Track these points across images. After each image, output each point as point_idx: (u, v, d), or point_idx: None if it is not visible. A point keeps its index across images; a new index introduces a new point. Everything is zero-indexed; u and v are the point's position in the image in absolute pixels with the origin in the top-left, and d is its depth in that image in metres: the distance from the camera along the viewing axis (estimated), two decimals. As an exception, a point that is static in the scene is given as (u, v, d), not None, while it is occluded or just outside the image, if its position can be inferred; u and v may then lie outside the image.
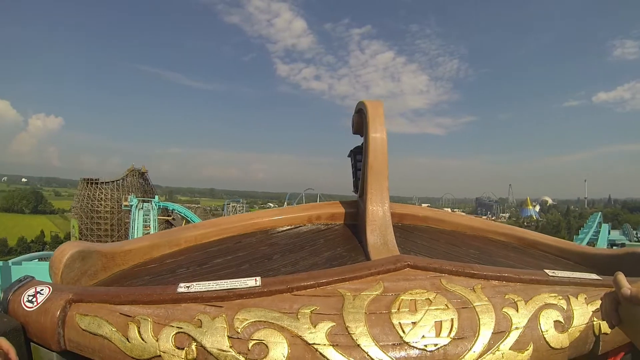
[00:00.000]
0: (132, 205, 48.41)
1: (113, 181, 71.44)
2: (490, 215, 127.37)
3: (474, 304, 1.44)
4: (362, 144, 2.47)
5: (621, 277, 1.21)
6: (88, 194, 68.91)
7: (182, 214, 52.33)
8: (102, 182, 70.82)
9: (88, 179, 71.24)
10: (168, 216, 55.22)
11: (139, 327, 1.32)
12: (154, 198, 51.93)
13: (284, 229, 2.52)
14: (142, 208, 46.62)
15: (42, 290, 1.45)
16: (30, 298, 1.42)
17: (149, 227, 43.39)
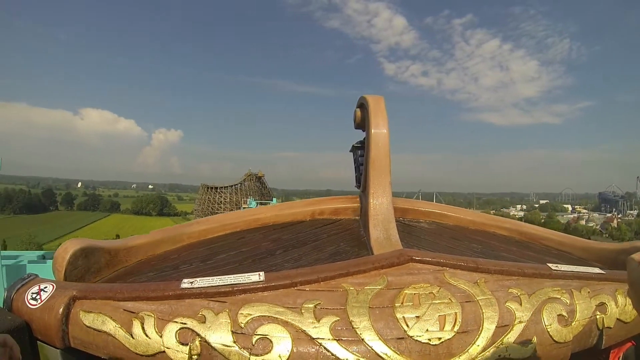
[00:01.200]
0: (250, 208, 48.30)
1: (232, 185, 73.55)
2: (615, 213, 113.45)
3: (478, 298, 1.44)
4: (364, 139, 2.46)
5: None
6: (208, 197, 71.50)
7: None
8: (222, 187, 73.12)
9: (208, 185, 74.02)
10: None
11: (142, 323, 1.33)
12: (272, 200, 52.04)
13: (287, 224, 2.52)
14: None
15: (45, 287, 1.45)
16: (34, 296, 1.43)
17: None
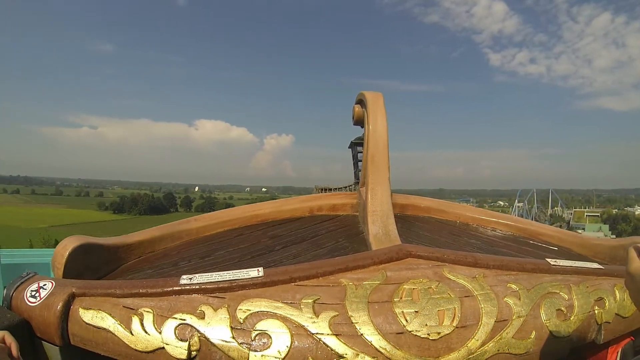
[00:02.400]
0: None
1: (345, 187, 72.05)
2: None
3: (477, 293, 1.45)
4: (362, 135, 2.46)
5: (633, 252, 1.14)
6: None
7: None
8: (334, 188, 72.06)
9: (321, 187, 73.13)
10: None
11: (142, 320, 1.33)
12: None
13: (286, 220, 2.52)
14: None
15: (45, 285, 1.45)
16: (33, 293, 1.42)
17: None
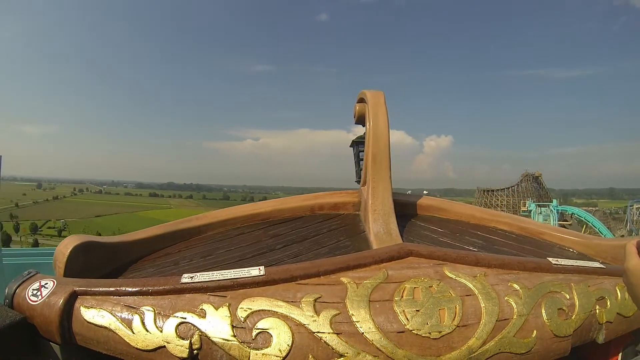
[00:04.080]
0: (530, 211, 45.47)
1: (508, 187, 71.74)
2: None
3: (478, 292, 1.44)
4: (364, 134, 2.46)
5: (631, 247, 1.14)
6: (484, 201, 69.99)
7: (582, 218, 44.89)
8: (497, 190, 71.58)
9: (483, 189, 72.86)
10: (564, 220, 47.24)
11: (143, 318, 1.33)
12: (552, 202, 48.70)
13: (287, 219, 2.52)
14: (540, 213, 43.73)
15: (46, 284, 1.45)
16: (34, 292, 1.43)
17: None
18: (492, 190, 71.80)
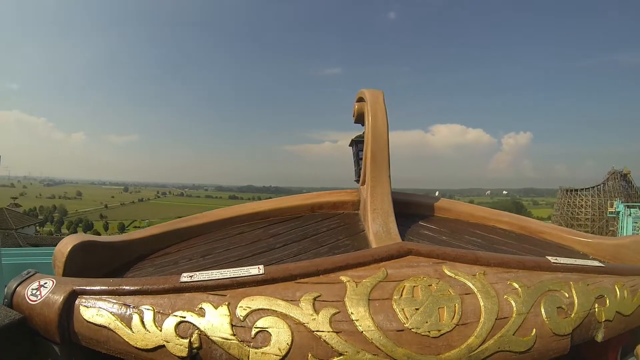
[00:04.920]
0: (618, 212, 40.97)
1: (593, 187, 67.51)
2: None
3: (477, 291, 1.44)
4: (363, 133, 2.46)
5: None
6: (568, 201, 67.15)
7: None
8: (582, 189, 67.63)
9: (566, 188, 68.93)
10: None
11: (142, 318, 1.33)
12: None
13: (287, 218, 2.52)
14: (630, 215, 37.62)
15: (45, 283, 1.45)
16: (33, 291, 1.43)
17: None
18: (576, 190, 67.70)
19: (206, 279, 1.43)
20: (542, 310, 1.45)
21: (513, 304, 1.43)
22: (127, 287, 1.41)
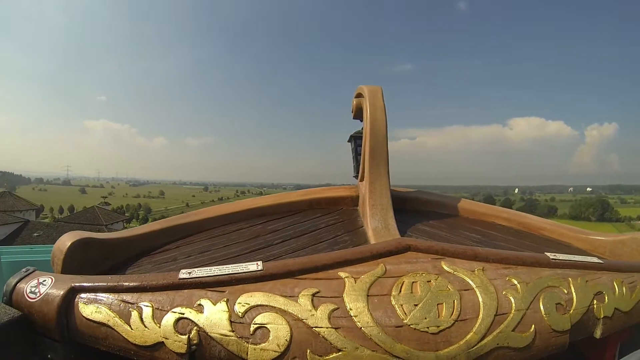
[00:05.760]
0: None
1: None
2: None
3: (476, 286, 1.45)
4: (362, 128, 2.45)
5: None
6: None
7: None
8: None
9: None
10: None
11: (141, 314, 1.33)
12: None
13: (285, 215, 2.52)
14: None
15: (44, 280, 1.45)
16: (32, 289, 1.42)
17: None
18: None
19: (205, 275, 1.43)
20: (541, 306, 1.45)
21: (512, 300, 1.43)
22: (126, 284, 1.41)
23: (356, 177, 2.65)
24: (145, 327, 1.31)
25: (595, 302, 1.53)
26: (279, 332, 1.28)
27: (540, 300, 1.46)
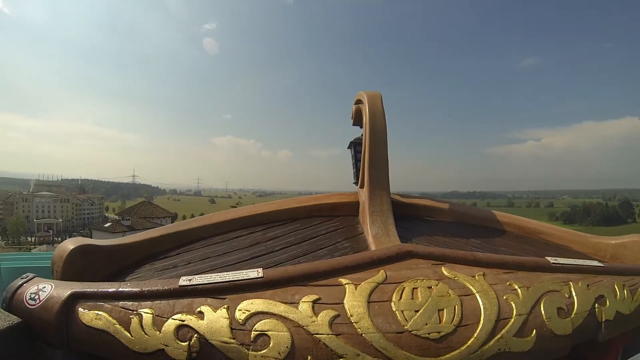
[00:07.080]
0: None
1: None
2: None
3: (477, 292, 1.44)
4: (361, 135, 2.46)
5: None
6: None
7: None
8: None
9: None
10: None
11: (141, 321, 1.32)
12: None
13: (286, 221, 2.52)
14: None
15: (44, 287, 1.44)
16: (32, 295, 1.42)
17: None
18: None
19: (205, 282, 1.43)
20: (542, 310, 1.45)
21: (513, 305, 1.43)
22: (126, 291, 1.41)
23: (356, 183, 2.65)
24: (146, 334, 1.31)
25: (596, 305, 1.52)
26: (279, 339, 1.27)
27: (542, 305, 1.46)
